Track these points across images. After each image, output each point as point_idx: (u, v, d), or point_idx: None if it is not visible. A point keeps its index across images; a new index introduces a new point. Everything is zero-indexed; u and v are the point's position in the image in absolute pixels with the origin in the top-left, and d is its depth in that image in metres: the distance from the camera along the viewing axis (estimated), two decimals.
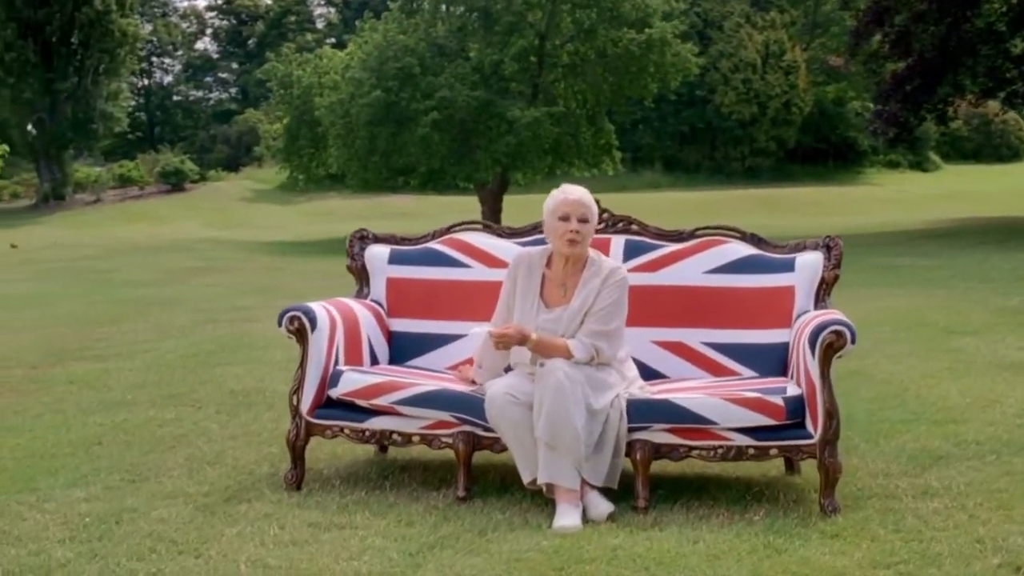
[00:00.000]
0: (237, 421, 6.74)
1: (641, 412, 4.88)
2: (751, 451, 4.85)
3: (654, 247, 5.65)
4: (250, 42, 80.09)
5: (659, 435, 4.90)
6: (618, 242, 5.68)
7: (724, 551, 4.30)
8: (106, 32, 55.60)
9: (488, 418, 4.93)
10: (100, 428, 6.68)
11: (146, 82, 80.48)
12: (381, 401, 5.13)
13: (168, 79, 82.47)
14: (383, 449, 5.83)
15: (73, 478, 5.48)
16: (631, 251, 5.64)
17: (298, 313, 5.25)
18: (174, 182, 56.89)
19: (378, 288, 5.92)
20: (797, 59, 57.26)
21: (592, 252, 5.12)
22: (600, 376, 4.91)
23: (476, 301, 5.62)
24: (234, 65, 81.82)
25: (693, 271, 5.56)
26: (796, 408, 4.81)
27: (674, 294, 5.54)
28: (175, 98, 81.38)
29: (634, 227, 5.76)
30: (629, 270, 5.52)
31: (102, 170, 58.92)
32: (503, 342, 4.87)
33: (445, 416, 5.07)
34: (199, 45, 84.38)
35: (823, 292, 5.42)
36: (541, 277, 5.11)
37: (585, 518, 4.73)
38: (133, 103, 74.07)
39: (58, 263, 26.90)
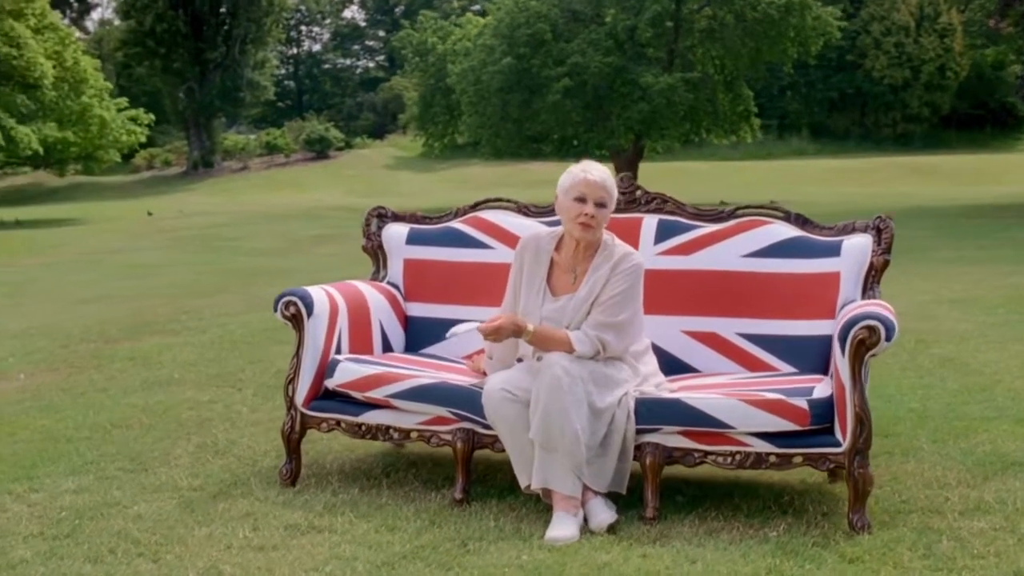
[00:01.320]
0: (268, 406, 6.48)
1: (651, 412, 4.42)
2: (772, 459, 4.35)
3: (689, 228, 5.15)
4: (397, 9, 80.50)
5: (671, 438, 4.43)
6: (650, 222, 5.20)
7: (722, 575, 3.82)
8: (253, 2, 56.48)
9: (485, 415, 4.52)
10: (130, 410, 6.50)
11: (295, 51, 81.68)
12: (375, 394, 4.77)
13: (316, 47, 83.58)
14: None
15: (73, 466, 5.29)
16: (664, 232, 5.16)
17: (294, 298, 4.91)
18: (319, 149, 57.64)
19: (395, 270, 5.56)
20: (953, 21, 54.89)
21: (607, 235, 4.65)
22: (607, 372, 4.46)
23: (498, 285, 5.17)
24: (381, 33, 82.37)
25: (730, 254, 5.05)
26: (823, 412, 4.29)
27: (708, 279, 5.04)
28: (324, 66, 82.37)
29: (668, 206, 5.26)
30: (660, 252, 5.07)
31: (250, 138, 60.04)
32: (495, 335, 4.45)
33: (442, 412, 4.68)
34: (347, 13, 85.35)
35: (871, 279, 4.85)
36: (549, 262, 4.67)
37: (588, 528, 4.29)
38: (282, 72, 75.33)
39: (190, 231, 27.38)
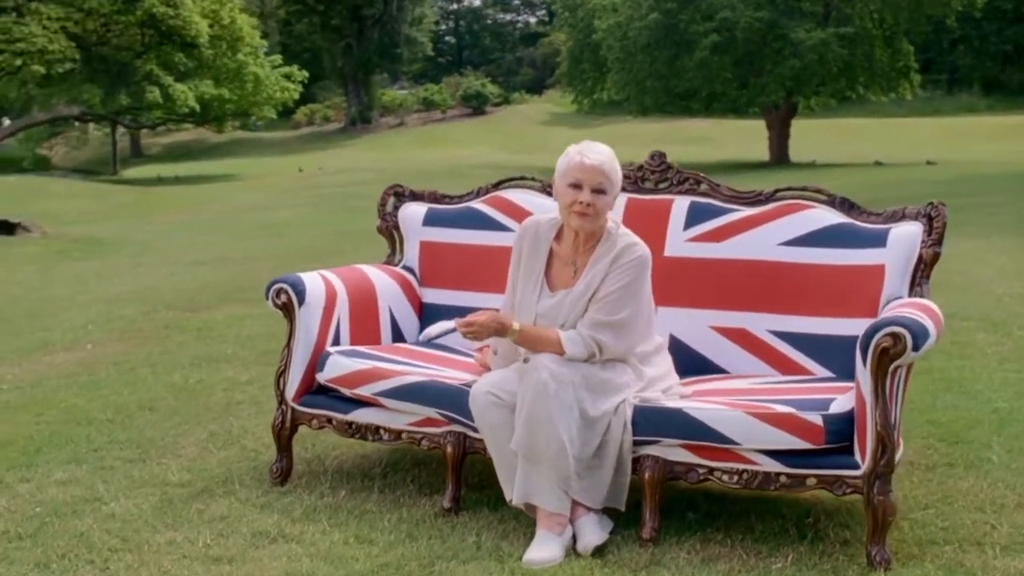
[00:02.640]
0: None
1: (649, 422, 3.97)
2: (783, 479, 3.85)
3: (723, 211, 4.65)
4: None
5: (673, 451, 3.97)
6: (681, 204, 4.71)
7: None
8: None
9: (473, 418, 4.14)
10: (164, 390, 6.33)
11: (455, 6, 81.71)
12: (364, 391, 4.43)
13: (476, 2, 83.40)
14: None
15: (76, 454, 5.11)
16: (695, 215, 4.67)
17: (284, 285, 4.59)
18: (475, 105, 57.60)
19: (411, 253, 5.19)
20: None
21: (611, 223, 4.19)
22: (604, 376, 4.02)
23: None
24: None
25: (766, 242, 4.53)
26: (839, 430, 3.77)
27: (741, 270, 4.54)
28: (484, 21, 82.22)
29: (703, 187, 4.76)
30: (690, 239, 4.59)
31: (407, 94, 60.39)
32: (474, 334, 4.04)
33: (431, 413, 4.32)
34: None
35: (920, 274, 4.28)
36: (548, 253, 4.23)
37: (576, 548, 3.89)
38: (442, 27, 75.46)
39: (333, 188, 27.56)
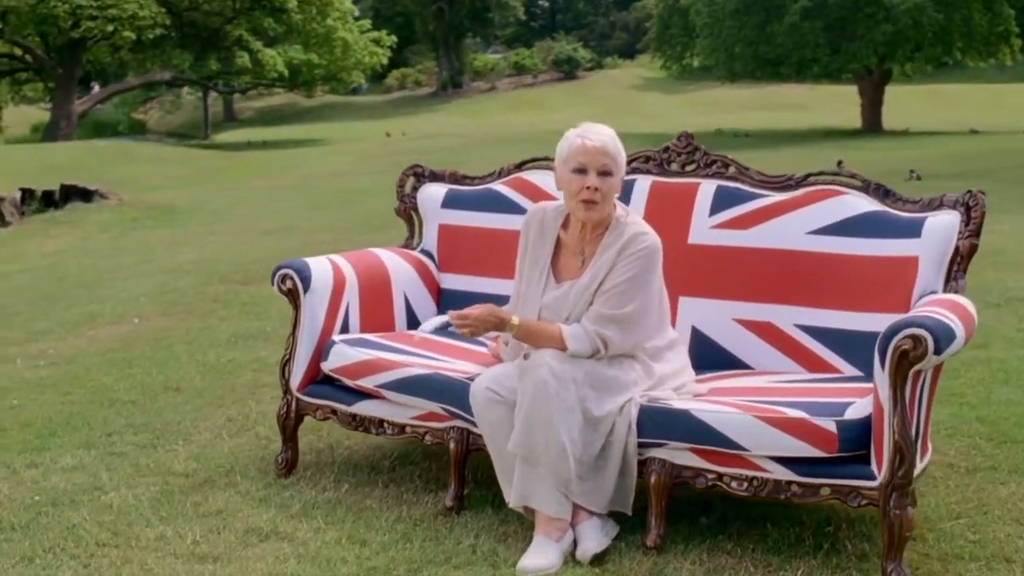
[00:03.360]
0: None
1: (655, 424, 3.74)
2: (794, 488, 3.60)
3: (751, 197, 4.39)
4: None
5: (680, 455, 3.74)
6: (707, 189, 4.46)
7: None
8: None
9: (473, 415, 3.95)
10: (195, 370, 6.24)
11: None
12: (366, 383, 4.26)
13: None
14: None
15: (90, 438, 5.04)
16: (722, 201, 4.41)
17: (290, 271, 4.44)
18: (567, 70, 57.18)
19: (430, 236, 5.01)
20: None
21: (620, 209, 3.95)
22: (610, 373, 3.79)
23: None
24: None
25: (794, 230, 4.26)
26: (854, 437, 3.51)
27: (767, 259, 4.28)
28: None
29: (731, 170, 4.49)
30: (715, 226, 4.34)
31: (498, 58, 60.13)
32: (470, 328, 3.84)
33: (434, 407, 4.13)
34: None
35: (956, 267, 3.98)
36: (555, 242, 4.01)
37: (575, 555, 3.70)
38: None
39: (417, 155, 27.37)
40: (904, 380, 3.43)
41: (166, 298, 8.66)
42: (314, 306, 4.43)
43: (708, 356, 4.31)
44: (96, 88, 45.96)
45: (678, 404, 3.75)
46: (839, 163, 18.63)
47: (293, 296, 4.44)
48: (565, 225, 4.00)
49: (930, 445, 3.87)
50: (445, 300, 4.88)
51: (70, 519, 4.09)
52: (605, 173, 3.82)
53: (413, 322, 4.79)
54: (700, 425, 3.65)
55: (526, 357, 3.81)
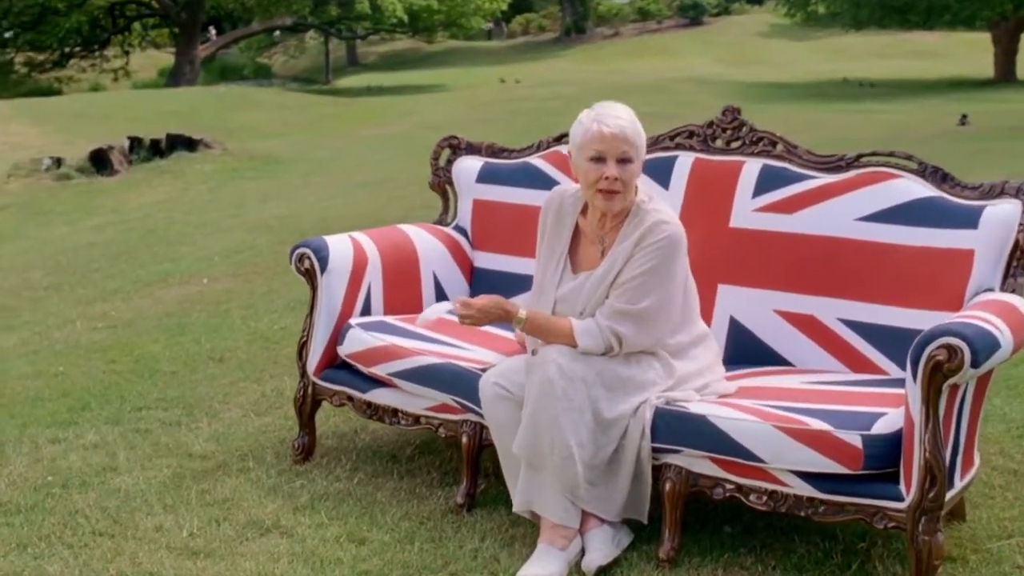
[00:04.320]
0: None
1: (670, 429, 3.47)
2: (816, 505, 3.30)
3: (798, 178, 4.05)
4: None
5: (697, 462, 3.47)
6: (752, 168, 4.13)
7: None
8: None
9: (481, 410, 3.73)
10: (244, 338, 6.14)
11: None
12: (378, 370, 4.07)
13: None
14: None
15: (120, 413, 4.96)
16: (766, 182, 4.09)
17: (307, 250, 4.25)
18: (692, 16, 56.03)
19: (464, 212, 4.77)
20: None
21: (642, 193, 3.66)
22: (625, 372, 3.53)
23: None
24: None
25: (842, 216, 3.91)
26: (882, 454, 3.20)
27: (812, 247, 3.94)
28: None
29: (778, 148, 4.16)
30: (758, 208, 4.03)
31: (623, 3, 59.22)
32: (473, 320, 3.60)
33: (446, 399, 3.92)
34: None
35: (1015, 263, 3.61)
36: (573, 228, 3.73)
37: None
38: None
39: (531, 102, 27.12)
40: (938, 394, 3.10)
41: (239, 258, 8.59)
42: (332, 287, 4.24)
43: (746, 350, 4.01)
44: (213, 34, 46.47)
45: (696, 408, 3.46)
46: (963, 117, 17.81)
47: (310, 276, 4.25)
48: (584, 211, 3.72)
49: (977, 458, 3.53)
50: (478, 279, 4.65)
51: (74, 504, 3.99)
52: (624, 160, 3.53)
53: (441, 300, 4.56)
54: (716, 433, 3.37)
55: (534, 353, 3.56)
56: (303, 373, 4.31)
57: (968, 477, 3.43)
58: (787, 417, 3.30)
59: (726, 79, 33.04)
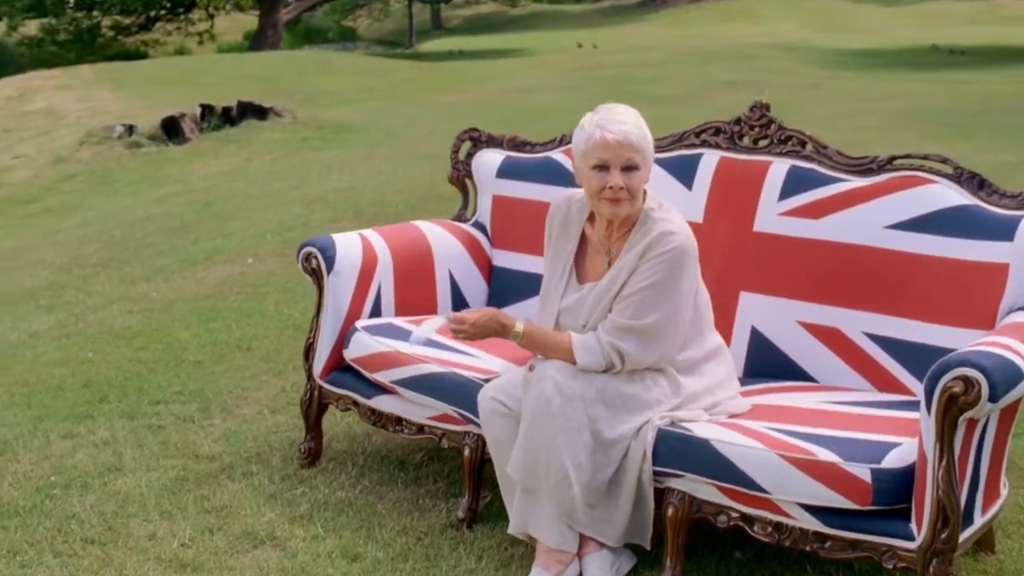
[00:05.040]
0: None
1: (672, 452, 3.28)
2: (824, 540, 3.10)
3: (826, 181, 3.81)
4: None
5: (701, 487, 3.28)
6: (779, 169, 3.90)
7: None
8: None
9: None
10: (275, 326, 6.05)
11: None
12: (381, 377, 3.93)
13: None
14: None
15: (136, 407, 4.90)
16: (793, 184, 3.85)
17: (313, 249, 4.11)
18: None
19: (484, 208, 4.59)
20: None
21: (651, 200, 3.45)
22: (627, 390, 3.34)
23: None
24: None
25: (870, 223, 3.68)
26: (893, 489, 2.98)
27: (838, 255, 3.71)
28: None
29: (807, 148, 3.92)
30: (784, 212, 3.81)
31: None
32: (467, 335, 3.43)
33: (448, 409, 3.77)
34: None
35: None
36: (580, 237, 3.55)
37: None
38: None
39: (609, 69, 26.72)
40: (953, 428, 2.87)
41: (289, 235, 8.49)
42: (338, 288, 4.10)
43: (767, 362, 3.81)
44: None
45: (700, 431, 3.27)
46: None
47: (317, 276, 4.12)
48: (592, 219, 3.52)
49: (1005, 488, 3.30)
50: (496, 279, 4.48)
51: (72, 507, 3.93)
52: (630, 168, 3.33)
53: (460, 303, 4.42)
54: (719, 459, 3.18)
55: (531, 369, 3.39)
56: (309, 376, 4.19)
57: (992, 511, 3.20)
58: (794, 445, 3.10)
59: (812, 45, 32.22)
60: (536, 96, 21.30)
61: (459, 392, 3.69)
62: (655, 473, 3.31)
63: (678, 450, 3.26)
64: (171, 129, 15.76)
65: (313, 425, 4.21)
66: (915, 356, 3.55)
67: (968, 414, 2.85)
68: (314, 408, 4.19)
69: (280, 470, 4.16)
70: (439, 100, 21.98)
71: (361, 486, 4.02)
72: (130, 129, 15.85)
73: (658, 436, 3.29)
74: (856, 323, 3.67)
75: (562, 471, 3.26)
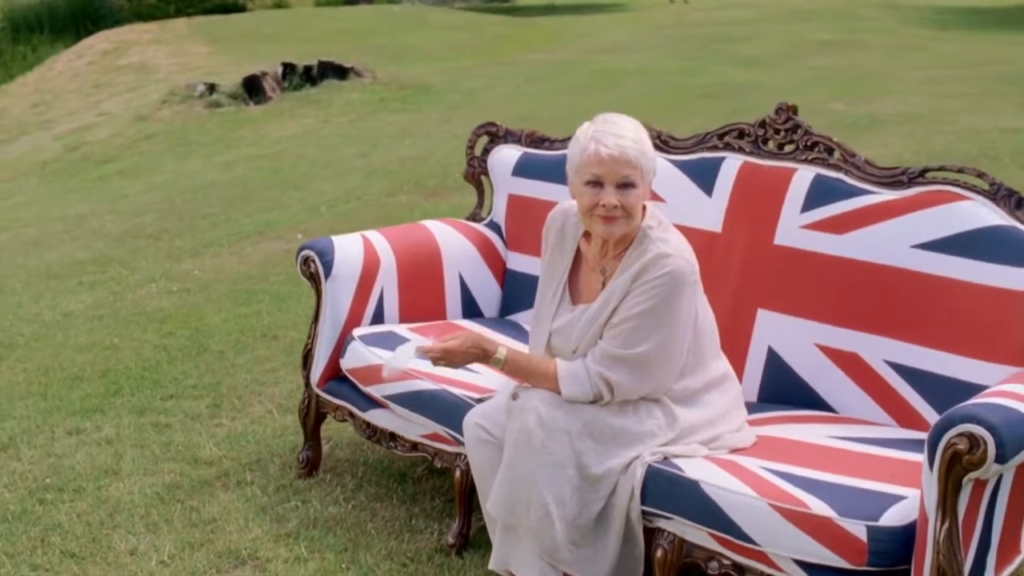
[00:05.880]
0: None
1: (661, 491, 3.06)
2: None
3: (852, 193, 3.52)
4: None
5: (691, 531, 3.05)
6: (803, 177, 3.62)
7: None
8: None
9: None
10: (308, 313, 5.73)
11: None
12: (374, 391, 3.75)
13: None
14: None
15: (147, 401, 4.82)
16: (818, 194, 3.57)
17: (312, 253, 3.93)
18: None
19: (499, 208, 4.37)
20: None
21: (650, 218, 3.20)
22: (617, 423, 3.12)
23: None
24: None
25: (897, 241, 3.39)
26: (890, 549, 2.72)
27: (861, 275, 3.43)
28: None
29: (835, 156, 3.63)
30: (806, 225, 3.55)
31: None
32: (446, 359, 3.22)
33: (438, 429, 3.58)
34: None
35: None
36: (575, 253, 3.31)
37: None
38: None
39: (704, 27, 26.06)
40: (957, 488, 2.60)
41: (345, 208, 8.38)
42: (337, 293, 3.93)
43: (783, 387, 3.55)
44: None
45: (691, 470, 3.03)
46: None
47: (315, 281, 3.94)
48: (588, 235, 3.28)
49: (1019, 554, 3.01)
50: (510, 283, 4.28)
51: (60, 515, 3.84)
52: (627, 185, 3.08)
53: (470, 308, 4.22)
54: (708, 503, 2.95)
55: (515, 397, 3.18)
56: (307, 383, 4.03)
57: (1009, 569, 2.92)
58: (788, 495, 2.85)
59: (916, 3, 31.16)
60: (623, 56, 20.83)
61: (450, 412, 3.50)
62: (644, 512, 3.09)
63: (667, 490, 3.03)
64: (253, 88, 15.71)
65: (311, 434, 4.05)
66: (938, 390, 3.27)
67: (973, 475, 2.57)
68: (312, 417, 4.04)
69: (277, 479, 4.02)
70: (527, 59, 21.66)
71: (356, 501, 3.86)
72: (211, 88, 15.83)
73: (648, 473, 3.06)
74: (877, 350, 3.39)
75: (543, 508, 3.06)
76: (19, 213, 9.85)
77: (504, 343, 3.23)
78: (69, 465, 4.18)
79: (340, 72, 16.24)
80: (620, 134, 3.07)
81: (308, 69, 16.41)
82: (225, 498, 3.89)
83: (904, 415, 3.34)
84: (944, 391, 3.24)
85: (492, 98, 15.08)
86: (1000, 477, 2.72)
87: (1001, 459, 2.53)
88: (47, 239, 8.28)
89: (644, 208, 3.19)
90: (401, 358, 3.20)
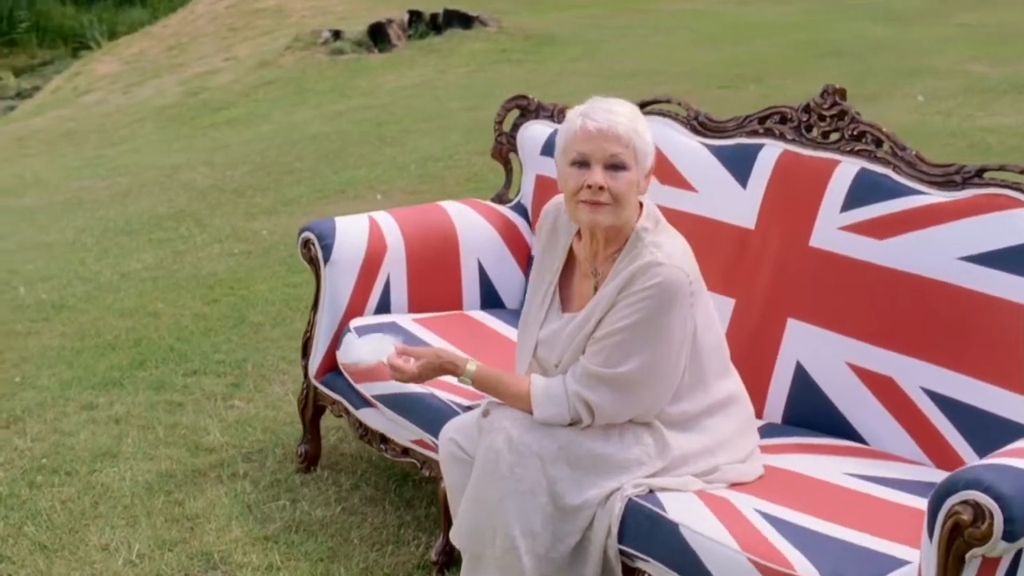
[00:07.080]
0: None
1: (639, 529, 2.72)
2: None
3: (899, 191, 3.08)
4: None
5: (669, 573, 2.70)
6: (846, 171, 3.19)
7: None
8: None
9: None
10: None
11: None
12: (364, 389, 3.48)
13: None
14: None
15: (168, 377, 4.65)
16: (860, 192, 3.14)
17: (311, 235, 3.66)
18: None
19: (527, 189, 4.03)
20: None
21: (646, 218, 2.82)
22: (598, 448, 2.78)
23: None
24: None
25: (942, 251, 2.94)
26: None
27: (900, 286, 3.01)
28: None
29: (883, 149, 3.18)
30: (844, 227, 3.15)
31: None
32: (407, 378, 2.92)
33: (424, 436, 3.29)
34: None
35: None
36: (566, 253, 2.96)
37: None
38: None
39: None
40: (960, 565, 2.20)
41: (433, 168, 8.10)
42: (336, 280, 3.65)
43: (809, 410, 3.16)
44: None
45: (674, 510, 2.68)
46: None
47: (314, 266, 3.67)
48: (580, 233, 2.93)
49: None
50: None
51: (43, 501, 3.69)
52: (616, 166, 2.71)
53: (490, 298, 3.91)
54: (686, 551, 2.60)
55: (485, 414, 2.86)
56: (305, 374, 3.77)
57: None
58: (773, 550, 2.48)
59: None
60: (755, 8, 19.93)
61: (435, 418, 3.20)
62: (622, 551, 2.75)
63: (646, 530, 2.69)
64: (378, 35, 15.52)
65: (310, 427, 3.80)
66: (977, 425, 2.85)
67: (977, 550, 2.16)
68: (310, 410, 3.79)
69: (272, 473, 3.79)
70: (661, 7, 20.95)
71: (347, 503, 3.61)
72: (336, 34, 15.68)
73: (627, 508, 2.72)
74: (914, 375, 2.96)
75: (509, 540, 2.74)
76: (122, 161, 9.84)
77: (472, 357, 2.90)
78: (70, 445, 4.02)
79: (465, 21, 15.93)
80: (611, 109, 2.72)
81: (434, 17, 16.14)
82: (213, 492, 3.68)
83: (940, 453, 2.92)
84: (985, 430, 2.82)
85: (619, 48, 14.62)
86: (1020, 555, 2.29)
87: (1010, 536, 2.12)
88: (137, 191, 8.21)
89: (641, 206, 2.82)
90: (370, 349, 2.93)
